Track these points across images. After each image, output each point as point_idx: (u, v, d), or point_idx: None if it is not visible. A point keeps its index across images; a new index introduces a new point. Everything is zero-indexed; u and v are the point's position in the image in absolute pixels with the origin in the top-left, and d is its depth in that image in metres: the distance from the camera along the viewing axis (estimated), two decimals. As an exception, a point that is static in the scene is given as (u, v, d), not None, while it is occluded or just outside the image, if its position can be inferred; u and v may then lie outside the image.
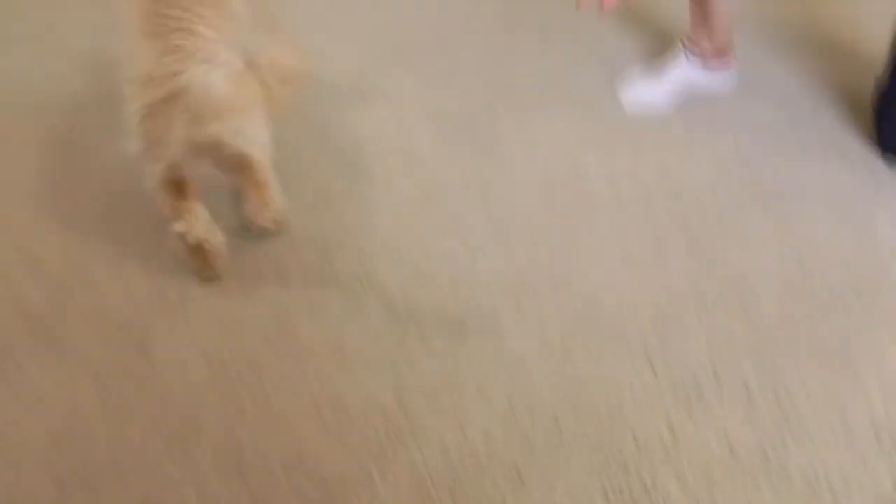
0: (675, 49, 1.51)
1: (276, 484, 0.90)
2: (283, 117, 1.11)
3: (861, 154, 1.37)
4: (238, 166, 1.09)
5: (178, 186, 1.06)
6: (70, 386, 1.01)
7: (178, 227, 1.07)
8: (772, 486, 0.89)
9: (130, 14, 1.02)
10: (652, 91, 1.51)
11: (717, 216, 1.26)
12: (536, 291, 1.13)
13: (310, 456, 0.93)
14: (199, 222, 1.09)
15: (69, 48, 1.68)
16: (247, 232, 1.18)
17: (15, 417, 0.98)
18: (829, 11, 1.79)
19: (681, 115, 1.49)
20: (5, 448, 0.95)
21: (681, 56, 1.49)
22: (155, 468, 0.92)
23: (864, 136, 1.40)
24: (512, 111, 1.49)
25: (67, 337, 1.07)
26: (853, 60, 1.59)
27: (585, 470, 0.91)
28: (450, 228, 1.23)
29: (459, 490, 0.89)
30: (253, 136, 1.06)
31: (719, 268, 1.16)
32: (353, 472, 0.91)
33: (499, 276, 1.15)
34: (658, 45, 1.67)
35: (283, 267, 1.17)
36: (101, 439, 0.95)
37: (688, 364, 1.03)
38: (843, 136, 1.41)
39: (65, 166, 1.36)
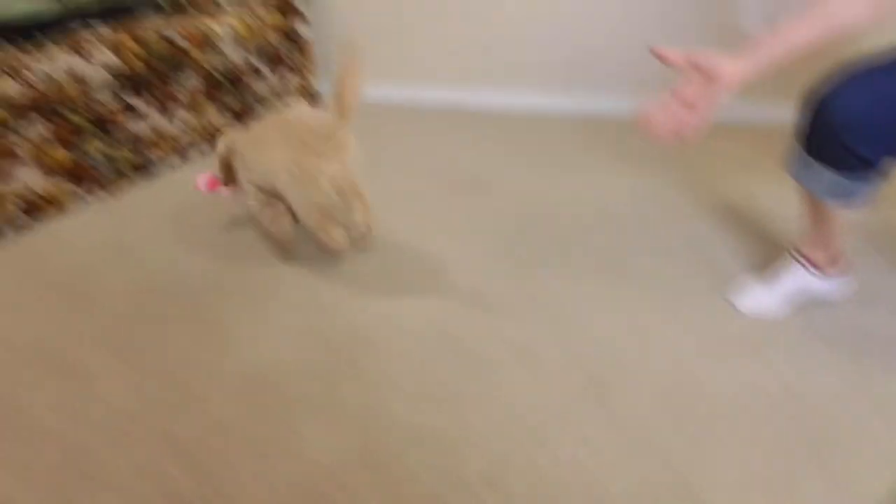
0: (786, 256, 1.57)
1: None
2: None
3: None
4: None
5: None
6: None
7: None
8: None
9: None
10: (767, 297, 1.54)
11: (844, 432, 1.25)
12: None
13: None
14: None
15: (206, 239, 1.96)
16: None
17: None
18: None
19: (797, 322, 1.51)
20: None
21: (794, 263, 1.55)
22: None
23: None
24: (626, 313, 1.56)
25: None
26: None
27: None
28: (572, 433, 1.26)
29: None
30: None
31: (854, 496, 1.14)
32: None
33: (630, 491, 1.17)
34: (771, 250, 1.76)
35: (410, 468, 1.24)
36: None
37: None
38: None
39: (205, 349, 1.52)
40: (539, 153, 2.54)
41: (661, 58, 1.20)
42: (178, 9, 3.10)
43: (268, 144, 1.64)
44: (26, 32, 2.56)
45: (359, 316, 1.58)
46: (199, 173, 2.13)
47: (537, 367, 1.39)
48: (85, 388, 1.40)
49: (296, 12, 3.07)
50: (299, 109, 1.74)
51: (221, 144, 1.83)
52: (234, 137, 1.81)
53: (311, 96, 3.31)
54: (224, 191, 1.92)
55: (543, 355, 1.42)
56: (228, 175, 1.86)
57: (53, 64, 2.16)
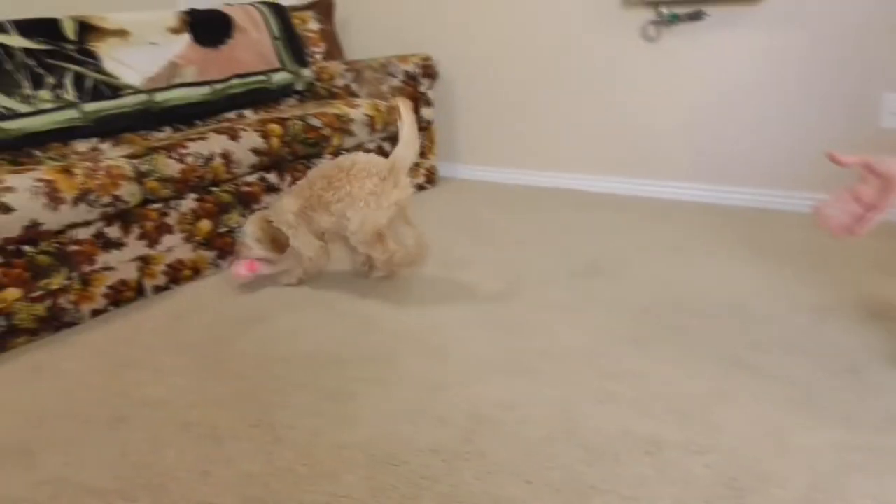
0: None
1: None
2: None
3: None
4: None
5: None
6: None
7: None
8: None
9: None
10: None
11: None
12: None
13: None
14: None
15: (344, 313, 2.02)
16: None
17: None
18: None
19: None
20: None
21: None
22: None
23: None
24: (756, 412, 1.47)
25: None
26: None
27: None
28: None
29: None
30: None
31: None
32: None
33: None
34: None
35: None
36: None
37: None
38: None
39: (328, 420, 1.54)
40: (664, 240, 2.50)
41: (837, 162, 1.31)
42: (316, 97, 3.34)
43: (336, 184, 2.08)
44: (185, 119, 2.83)
45: (478, 398, 1.57)
46: (234, 266, 2.24)
47: (665, 464, 1.32)
48: (216, 449, 1.45)
49: (426, 101, 3.23)
50: (354, 155, 2.17)
51: (257, 227, 2.15)
52: (286, 206, 2.15)
53: (431, 176, 3.42)
54: (265, 269, 2.21)
55: (670, 452, 1.35)
56: (277, 246, 2.15)
57: (209, 146, 2.36)
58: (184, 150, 2.31)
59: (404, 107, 2.03)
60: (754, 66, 2.73)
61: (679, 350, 1.72)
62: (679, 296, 2.03)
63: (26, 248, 1.96)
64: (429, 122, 3.32)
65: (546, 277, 2.23)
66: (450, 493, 1.28)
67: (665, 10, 2.80)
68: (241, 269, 2.17)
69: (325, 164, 2.18)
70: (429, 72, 3.23)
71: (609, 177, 3.19)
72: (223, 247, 2.48)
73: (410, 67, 3.17)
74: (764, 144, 2.79)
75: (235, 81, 3.05)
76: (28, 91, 2.40)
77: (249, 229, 2.15)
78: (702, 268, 2.24)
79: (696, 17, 2.73)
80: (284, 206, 2.15)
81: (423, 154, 3.35)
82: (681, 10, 2.77)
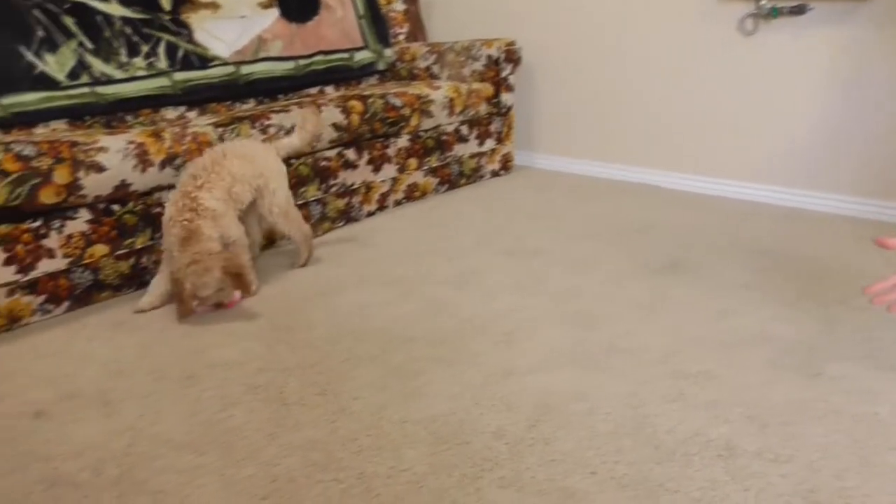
0: None
1: None
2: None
3: None
4: None
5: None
6: None
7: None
8: None
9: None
10: None
11: None
12: None
13: None
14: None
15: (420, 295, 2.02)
16: None
17: None
18: None
19: None
20: None
21: None
22: None
23: None
24: (844, 427, 1.40)
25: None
26: None
27: None
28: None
29: None
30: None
31: None
32: None
33: None
34: None
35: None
36: None
37: None
38: None
39: (393, 395, 1.54)
40: (746, 242, 2.40)
41: (886, 247, 1.33)
42: (397, 77, 3.35)
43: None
44: (269, 92, 2.88)
45: (545, 387, 1.55)
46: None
47: (738, 469, 1.27)
48: (282, 413, 1.47)
49: (508, 87, 3.20)
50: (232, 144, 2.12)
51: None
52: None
53: (507, 163, 3.39)
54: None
55: (745, 458, 1.29)
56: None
57: (292, 118, 2.39)
58: (267, 122, 2.35)
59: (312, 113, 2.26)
60: (857, 66, 2.58)
61: (761, 357, 1.65)
62: (762, 302, 1.95)
63: (115, 207, 2.03)
64: (508, 108, 3.28)
65: (620, 272, 2.17)
66: (511, 478, 1.26)
67: (765, 3, 2.68)
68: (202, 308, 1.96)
69: (199, 160, 2.03)
70: (511, 57, 3.19)
71: (692, 175, 3.09)
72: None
73: (494, 51, 3.14)
74: (863, 151, 2.65)
75: (319, 58, 3.08)
76: (124, 58, 2.49)
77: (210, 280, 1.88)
78: (784, 272, 2.14)
79: (799, 11, 2.61)
80: (209, 202, 1.92)
81: (499, 140, 3.32)
82: (783, 3, 2.65)
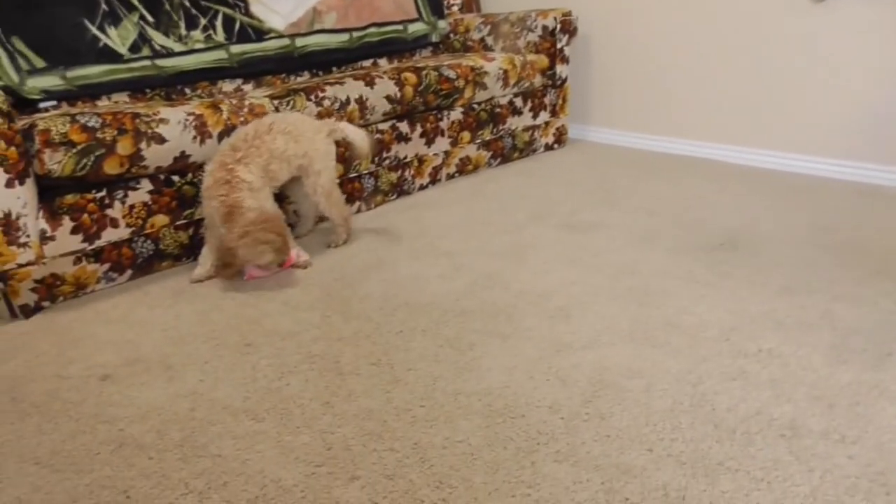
0: None
1: None
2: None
3: None
4: None
5: None
6: None
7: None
8: None
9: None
10: None
11: None
12: None
13: None
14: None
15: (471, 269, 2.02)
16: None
17: None
18: None
19: None
20: None
21: None
22: None
23: None
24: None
25: None
26: None
27: None
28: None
29: None
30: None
31: None
32: None
33: None
34: None
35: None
36: None
37: None
38: None
39: (447, 367, 1.54)
40: (809, 218, 2.31)
41: None
42: (450, 49, 3.32)
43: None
44: (323, 65, 2.89)
45: (600, 362, 1.53)
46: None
47: (802, 450, 1.23)
48: (337, 382, 1.49)
49: (563, 59, 3.14)
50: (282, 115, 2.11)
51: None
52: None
53: (561, 136, 3.34)
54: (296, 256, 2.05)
55: (809, 438, 1.25)
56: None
57: (346, 90, 2.39)
58: (322, 94, 2.35)
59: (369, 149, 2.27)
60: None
61: (826, 336, 1.60)
62: (829, 279, 1.88)
63: (175, 178, 2.07)
64: (563, 80, 3.22)
65: (677, 247, 2.12)
66: (567, 452, 1.25)
67: (837, -33, 2.55)
68: (256, 271, 2.02)
69: (243, 128, 2.03)
70: (567, 27, 3.12)
71: (753, 148, 2.99)
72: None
73: (549, 22, 3.08)
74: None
75: (373, 30, 3.07)
76: (183, 31, 2.52)
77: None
78: (853, 249, 2.05)
79: (873, -26, 2.47)
80: (242, 176, 1.93)
81: (554, 113, 3.26)
82: (855, -34, 2.51)
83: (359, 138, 2.20)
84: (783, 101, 2.85)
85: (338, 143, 2.25)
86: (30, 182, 1.79)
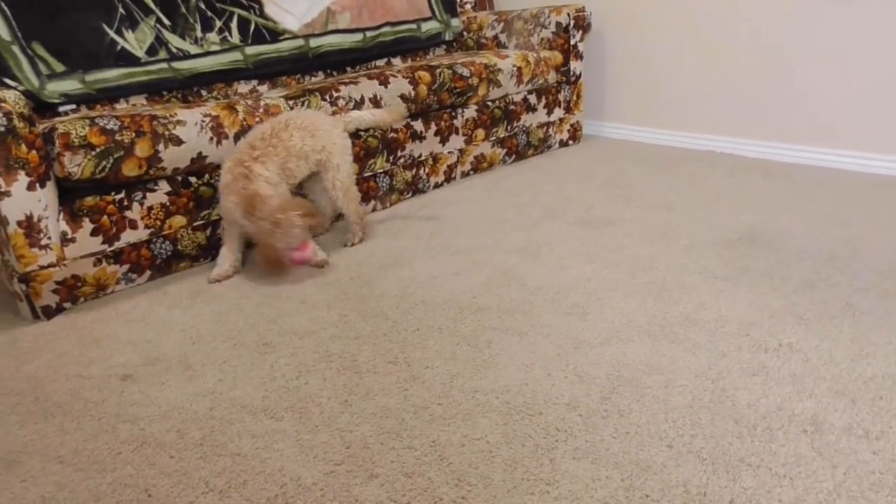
0: None
1: None
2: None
3: None
4: None
5: None
6: None
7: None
8: None
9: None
10: None
11: None
12: None
13: None
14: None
15: (489, 266, 2.01)
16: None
17: None
18: None
19: None
20: None
21: None
22: None
23: None
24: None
25: None
26: None
27: None
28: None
29: None
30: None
31: None
32: None
33: None
34: None
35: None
36: None
37: None
38: None
39: (464, 365, 1.54)
40: (829, 211, 2.29)
41: None
42: (464, 47, 3.32)
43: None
44: (337, 65, 2.89)
45: (618, 358, 1.52)
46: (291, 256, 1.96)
47: (826, 445, 1.21)
48: (355, 381, 1.49)
49: (577, 55, 3.12)
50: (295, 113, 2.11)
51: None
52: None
53: (576, 132, 3.33)
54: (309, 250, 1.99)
55: (832, 433, 1.24)
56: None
57: (361, 90, 2.40)
58: (336, 94, 2.36)
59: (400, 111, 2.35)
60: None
61: (848, 330, 1.58)
62: (851, 272, 1.86)
63: (192, 179, 2.08)
64: (577, 76, 3.21)
65: (695, 243, 2.11)
66: (586, 449, 1.24)
67: (855, -43, 2.52)
68: (298, 256, 1.97)
69: (260, 127, 2.04)
70: (581, 23, 3.11)
71: (769, 142, 2.96)
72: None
73: (563, 18, 3.07)
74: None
75: (386, 29, 3.08)
76: (198, 34, 2.54)
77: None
78: (874, 242, 2.03)
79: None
80: (258, 171, 1.94)
81: (568, 109, 3.25)
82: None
83: (373, 117, 2.24)
84: (801, 93, 2.82)
85: (356, 134, 2.26)
86: (50, 185, 1.81)
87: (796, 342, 1.53)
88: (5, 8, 2.11)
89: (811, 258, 1.95)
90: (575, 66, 3.16)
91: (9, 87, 2.00)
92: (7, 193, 1.72)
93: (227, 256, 2.04)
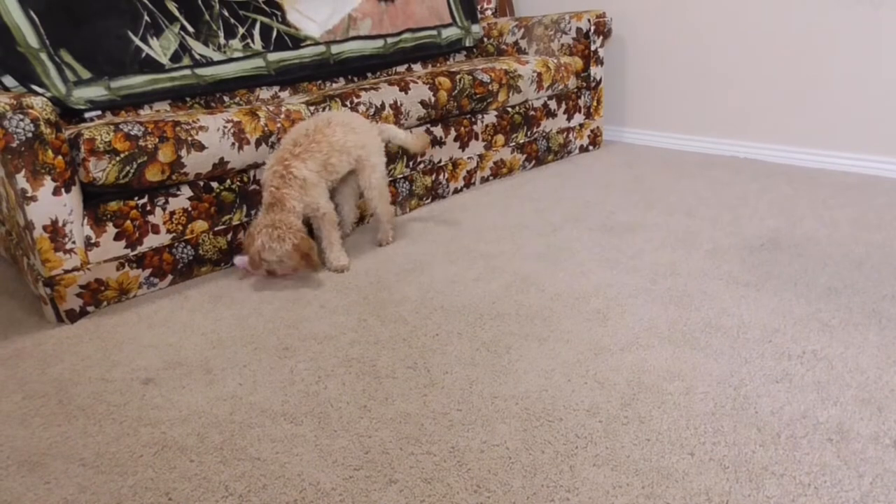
0: None
1: None
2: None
3: None
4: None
5: None
6: None
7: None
8: None
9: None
10: None
11: None
12: None
13: None
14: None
15: (507, 272, 2.00)
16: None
17: None
18: None
19: None
20: None
21: None
22: None
23: None
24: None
25: None
26: None
27: None
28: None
29: None
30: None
31: None
32: None
33: None
34: None
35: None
36: None
37: None
38: None
39: (484, 370, 1.54)
40: (856, 217, 2.25)
41: None
42: (484, 53, 3.32)
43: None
44: (358, 71, 2.91)
45: (639, 365, 1.50)
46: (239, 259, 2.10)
47: (852, 454, 1.19)
48: (374, 386, 1.49)
49: (597, 60, 3.11)
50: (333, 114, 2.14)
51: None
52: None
53: (596, 138, 3.31)
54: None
55: (859, 442, 1.21)
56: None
57: (381, 96, 2.41)
58: (357, 99, 2.37)
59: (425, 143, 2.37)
60: None
61: (874, 337, 1.55)
62: (877, 278, 1.82)
63: (214, 184, 2.10)
64: (597, 82, 3.19)
65: (717, 248, 2.08)
66: (606, 456, 1.23)
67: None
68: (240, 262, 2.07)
69: (303, 124, 2.08)
70: (601, 29, 3.10)
71: (792, 146, 2.93)
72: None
73: (583, 24, 3.06)
74: None
75: (407, 35, 3.09)
76: (221, 40, 2.56)
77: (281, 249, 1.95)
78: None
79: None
80: (302, 171, 1.98)
81: (588, 115, 3.24)
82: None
83: (405, 137, 2.27)
84: (826, 97, 2.78)
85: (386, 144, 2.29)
86: (76, 190, 1.83)
87: (821, 349, 1.51)
88: (34, 16, 2.15)
89: (836, 264, 1.92)
90: (595, 71, 3.15)
91: (36, 93, 2.04)
92: (34, 198, 1.74)
93: None
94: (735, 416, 1.31)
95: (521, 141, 2.97)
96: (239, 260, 2.07)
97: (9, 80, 2.09)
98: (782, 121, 2.93)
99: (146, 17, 2.39)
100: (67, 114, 2.19)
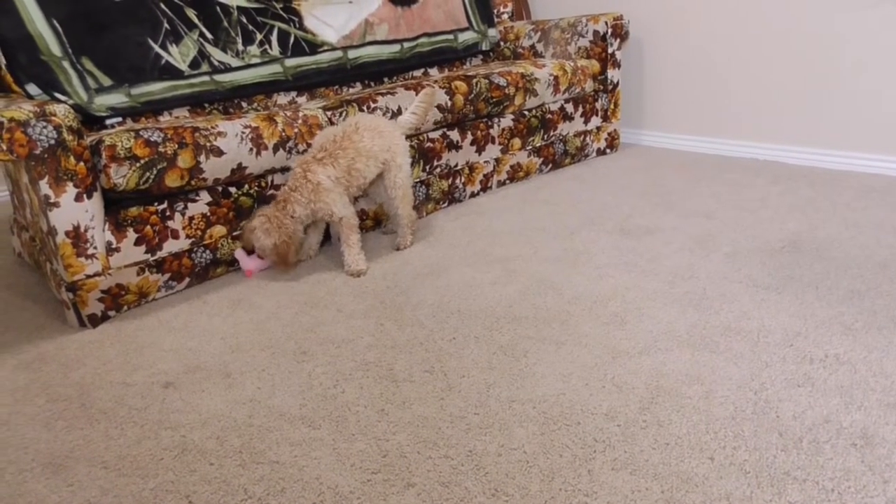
0: None
1: None
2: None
3: None
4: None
5: None
6: None
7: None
8: None
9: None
10: None
11: None
12: None
13: None
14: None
15: (524, 272, 1.99)
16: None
17: None
18: None
19: None
20: None
21: None
22: None
23: None
24: None
25: None
26: None
27: None
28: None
29: None
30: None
31: None
32: None
33: None
34: None
35: None
36: None
37: None
38: None
39: (501, 374, 1.53)
40: (879, 219, 2.22)
41: None
42: (501, 57, 3.32)
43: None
44: (375, 76, 2.92)
45: (657, 368, 1.49)
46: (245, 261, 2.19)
47: (876, 459, 1.17)
48: (392, 390, 1.50)
49: (615, 63, 3.10)
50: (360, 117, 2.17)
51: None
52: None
53: (613, 140, 3.30)
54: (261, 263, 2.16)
55: (884, 447, 1.20)
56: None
57: (398, 100, 2.42)
58: (374, 104, 2.38)
59: (431, 94, 2.33)
60: None
61: (893, 332, 1.52)
62: (891, 274, 1.80)
63: (232, 189, 2.12)
64: (615, 85, 3.18)
65: (736, 251, 2.07)
66: (625, 460, 1.22)
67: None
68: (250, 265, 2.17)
69: (331, 129, 2.13)
70: (619, 31, 3.09)
71: (812, 148, 2.90)
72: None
73: (600, 27, 3.05)
74: None
75: (423, 40, 3.10)
76: (240, 47, 2.59)
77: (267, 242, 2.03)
78: (927, 251, 1.96)
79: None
80: (318, 176, 2.03)
81: (605, 118, 3.23)
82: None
83: (417, 112, 2.30)
84: (847, 99, 2.75)
85: (408, 138, 2.32)
86: (97, 196, 1.86)
87: (843, 353, 1.49)
88: (57, 25, 2.18)
89: (859, 267, 1.89)
90: (612, 74, 3.14)
91: (59, 101, 2.07)
92: (56, 204, 1.77)
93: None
94: (756, 421, 1.29)
95: (538, 144, 2.96)
96: (239, 254, 2.15)
97: (32, 88, 2.12)
98: (803, 122, 2.90)
99: (166, 25, 2.41)
100: (89, 121, 2.22)
